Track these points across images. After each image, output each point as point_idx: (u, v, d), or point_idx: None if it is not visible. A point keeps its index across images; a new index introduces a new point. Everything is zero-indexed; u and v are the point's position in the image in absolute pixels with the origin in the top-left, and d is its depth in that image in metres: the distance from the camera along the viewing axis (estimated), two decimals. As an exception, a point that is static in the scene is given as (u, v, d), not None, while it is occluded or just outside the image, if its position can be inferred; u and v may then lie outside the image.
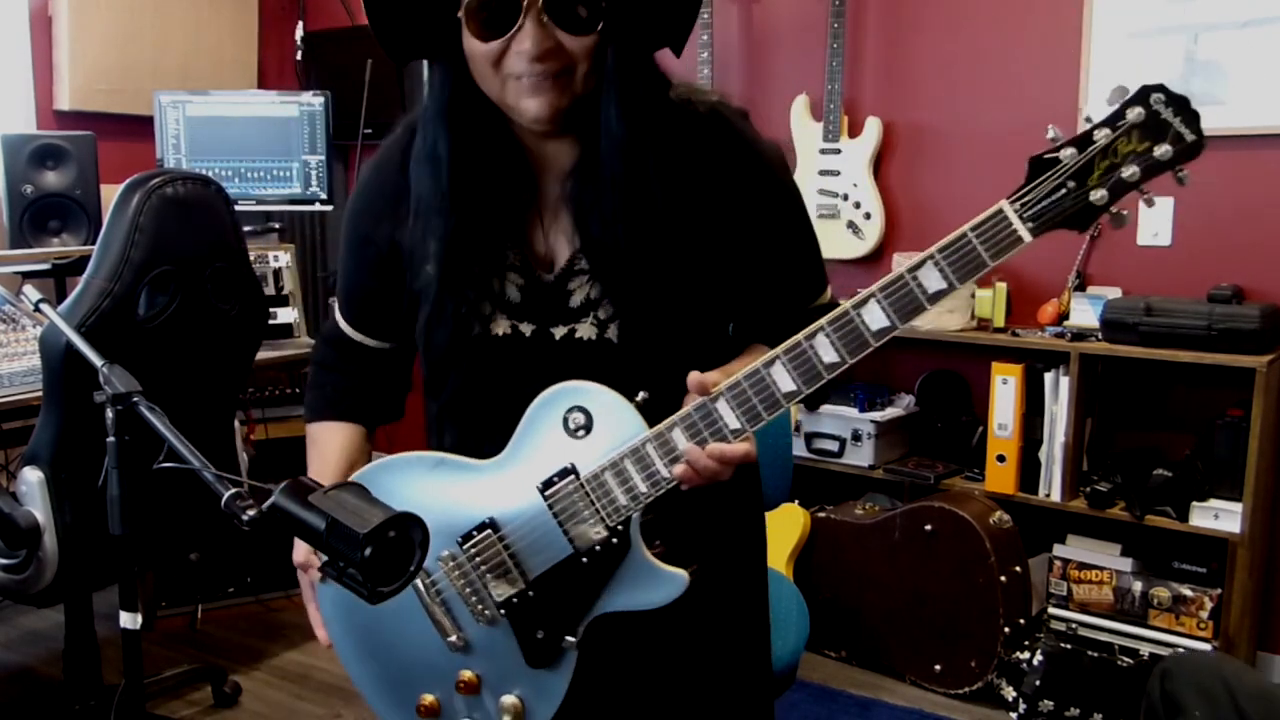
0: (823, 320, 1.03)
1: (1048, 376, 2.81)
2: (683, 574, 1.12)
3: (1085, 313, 2.85)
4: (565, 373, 1.13)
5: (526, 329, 1.18)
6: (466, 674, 1.20)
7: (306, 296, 3.81)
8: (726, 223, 1.16)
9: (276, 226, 3.74)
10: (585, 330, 1.18)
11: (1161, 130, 0.94)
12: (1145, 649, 2.61)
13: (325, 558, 1.04)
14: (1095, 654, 2.58)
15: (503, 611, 1.17)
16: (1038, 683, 2.55)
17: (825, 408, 3.07)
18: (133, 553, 1.57)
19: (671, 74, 1.18)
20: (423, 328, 1.20)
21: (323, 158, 3.61)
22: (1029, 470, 2.85)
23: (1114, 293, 2.85)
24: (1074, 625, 2.75)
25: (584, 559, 1.13)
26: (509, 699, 1.19)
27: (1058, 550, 2.88)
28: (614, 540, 1.11)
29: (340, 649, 1.30)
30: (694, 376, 1.06)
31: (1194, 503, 2.62)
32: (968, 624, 2.75)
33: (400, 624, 1.23)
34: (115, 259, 2.04)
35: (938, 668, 2.80)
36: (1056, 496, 2.81)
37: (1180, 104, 0.95)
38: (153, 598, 3.19)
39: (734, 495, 1.30)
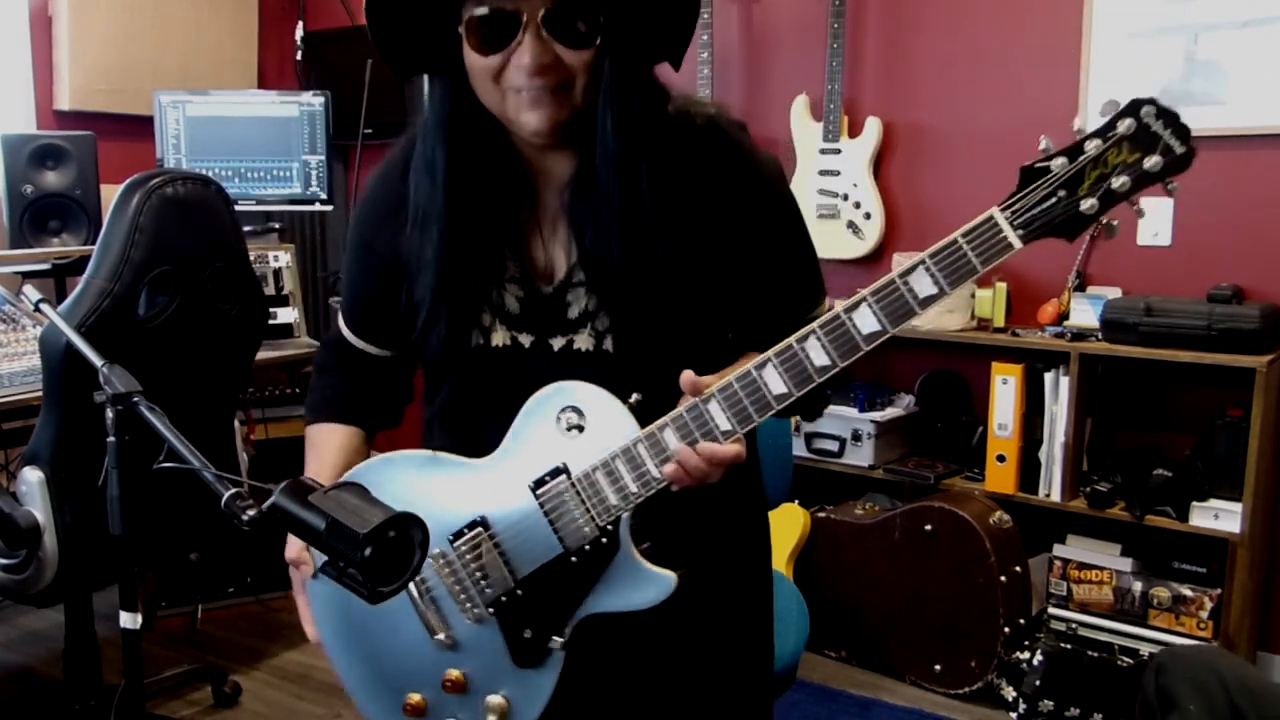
0: (814, 323, 1.04)
1: (1048, 376, 2.81)
2: (670, 575, 1.12)
3: (1085, 313, 2.85)
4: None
5: (525, 340, 1.19)
6: (453, 673, 1.20)
7: (306, 296, 3.81)
8: (724, 234, 1.17)
9: (276, 226, 3.74)
10: (583, 341, 1.19)
11: (1152, 142, 0.95)
12: (1145, 649, 2.61)
13: (324, 557, 1.04)
14: (1095, 654, 2.58)
15: (491, 610, 1.18)
16: (1038, 683, 2.55)
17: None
18: (133, 553, 1.57)
19: (670, 82, 1.19)
20: (419, 335, 1.21)
21: (323, 158, 3.61)
22: (1029, 470, 2.85)
23: (1114, 293, 2.85)
24: (1074, 625, 2.75)
25: (573, 558, 1.13)
26: (495, 699, 1.19)
27: (1058, 550, 2.88)
28: (604, 540, 1.12)
29: (329, 647, 1.30)
30: (687, 376, 1.07)
31: (1194, 503, 2.63)
32: (968, 624, 2.75)
33: (390, 622, 1.23)
34: (115, 259, 2.04)
35: (938, 668, 2.80)
36: (1056, 496, 2.81)
37: (1170, 117, 0.95)
38: (153, 598, 3.19)
39: (736, 497, 1.31)
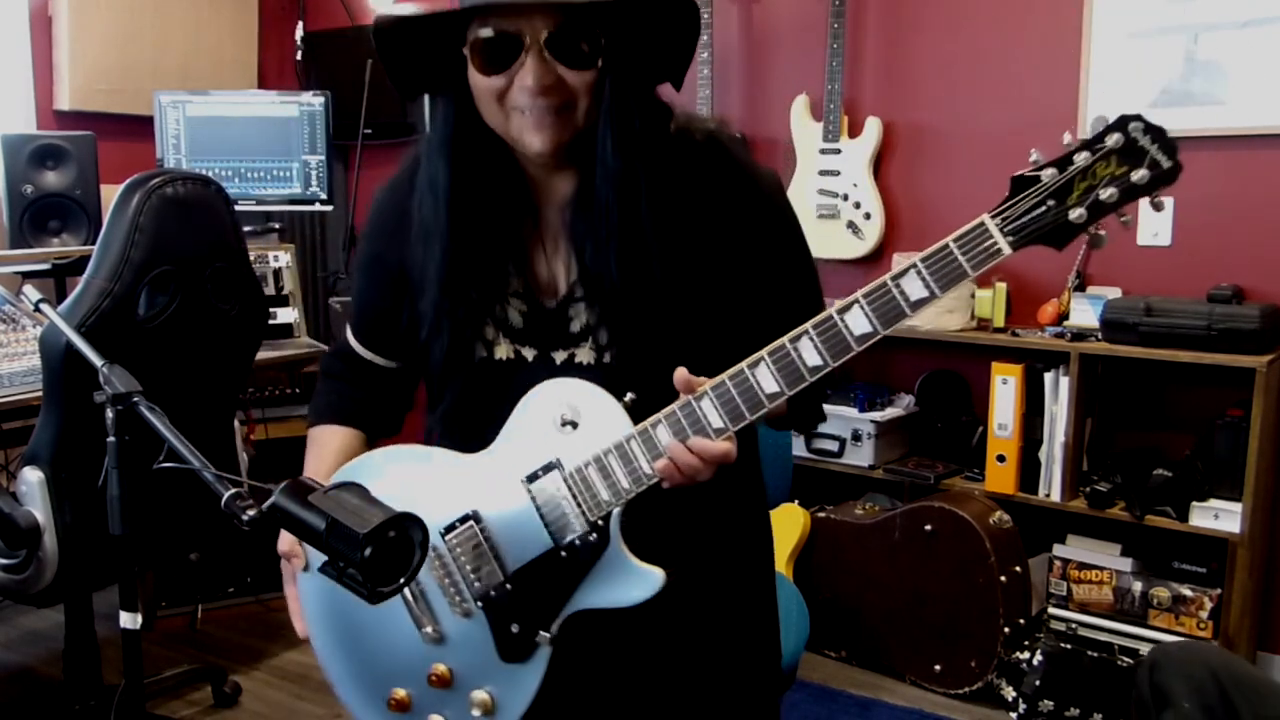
0: (807, 324, 1.05)
1: (1048, 376, 2.81)
2: (659, 573, 1.12)
3: (1085, 313, 2.85)
4: None
5: (529, 353, 1.21)
6: (439, 668, 1.21)
7: (306, 296, 3.81)
8: (724, 248, 1.18)
9: (276, 226, 3.74)
10: (584, 355, 1.21)
11: (1139, 156, 0.97)
12: (1145, 649, 2.61)
13: (325, 557, 1.04)
14: (1095, 654, 2.58)
15: (479, 604, 1.18)
16: (1038, 683, 2.55)
17: (825, 407, 3.07)
18: (133, 553, 1.57)
19: (670, 90, 1.20)
20: (422, 347, 1.23)
21: (323, 158, 3.61)
22: (1029, 470, 2.85)
23: (1114, 293, 2.85)
24: (1074, 625, 2.75)
25: (563, 553, 1.14)
26: (479, 694, 1.20)
27: (1058, 550, 2.88)
28: (594, 535, 1.13)
29: (316, 641, 1.30)
30: (681, 374, 1.08)
31: (1194, 503, 2.63)
32: (968, 624, 2.75)
33: (378, 617, 1.23)
34: (115, 259, 2.04)
35: (938, 668, 2.80)
36: (1056, 496, 2.81)
37: (1157, 132, 0.98)
38: (153, 598, 3.19)
39: (736, 497, 1.32)
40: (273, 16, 4.42)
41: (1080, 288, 2.94)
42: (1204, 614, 2.63)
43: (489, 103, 1.12)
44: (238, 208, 2.37)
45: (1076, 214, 0.98)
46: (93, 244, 2.18)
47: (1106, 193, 0.98)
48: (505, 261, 1.21)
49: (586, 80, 1.09)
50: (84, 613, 2.46)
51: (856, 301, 1.04)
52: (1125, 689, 2.50)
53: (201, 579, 3.25)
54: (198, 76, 3.99)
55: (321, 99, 3.59)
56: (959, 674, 2.77)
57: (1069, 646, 2.60)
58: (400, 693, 1.23)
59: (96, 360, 1.48)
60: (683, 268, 1.15)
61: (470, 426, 1.23)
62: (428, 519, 1.11)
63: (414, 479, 1.21)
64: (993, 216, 0.99)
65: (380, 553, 1.01)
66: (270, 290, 3.27)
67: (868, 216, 3.22)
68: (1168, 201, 2.83)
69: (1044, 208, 0.98)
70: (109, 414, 1.43)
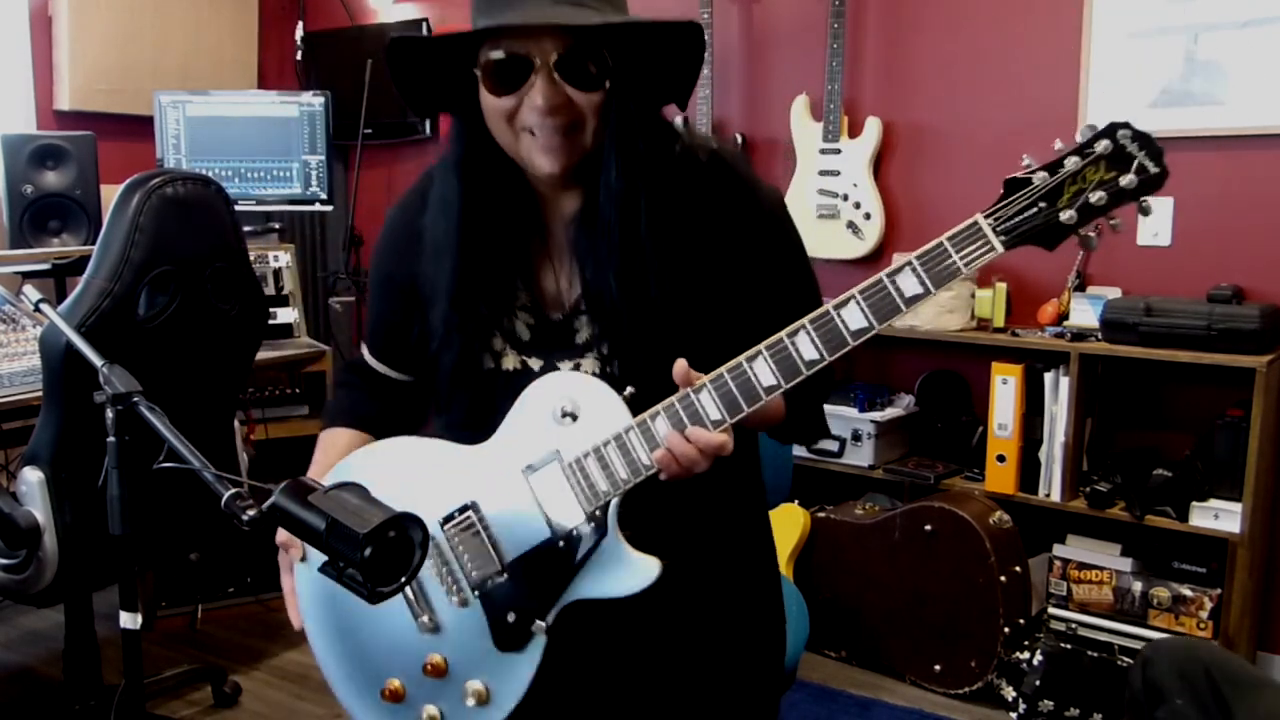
0: (805, 319, 1.07)
1: (1048, 376, 2.81)
2: (654, 562, 1.13)
3: (1085, 313, 2.85)
4: None
5: (535, 363, 1.24)
6: (435, 658, 1.22)
7: (306, 296, 3.81)
8: (727, 265, 1.21)
9: (276, 226, 3.74)
10: (589, 365, 1.23)
11: (1127, 162, 1.01)
12: (1145, 649, 2.61)
13: (325, 557, 1.04)
14: (1095, 654, 2.58)
15: (476, 593, 1.19)
16: (1038, 683, 2.55)
17: (825, 407, 3.07)
18: (133, 553, 1.57)
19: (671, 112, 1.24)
20: (432, 359, 1.26)
21: (323, 158, 3.61)
22: (1029, 470, 2.85)
23: (1114, 293, 2.85)
24: (1074, 625, 2.75)
25: (561, 543, 1.15)
26: (474, 684, 1.20)
27: (1058, 550, 2.88)
28: (591, 525, 1.14)
29: (311, 632, 1.31)
30: (680, 366, 1.09)
31: (1194, 503, 2.63)
32: (968, 624, 2.75)
33: (374, 607, 1.21)
34: (115, 259, 2.04)
35: (938, 668, 2.80)
36: (1056, 496, 2.81)
37: (1144, 140, 1.01)
38: (153, 598, 3.19)
39: (735, 494, 1.34)
40: (273, 16, 4.42)
41: (1080, 288, 2.94)
42: (1204, 614, 2.63)
43: (499, 122, 1.15)
44: (238, 208, 2.37)
45: (1067, 215, 1.01)
46: (93, 244, 2.18)
47: (1096, 196, 1.01)
48: (514, 276, 1.24)
49: (594, 101, 1.13)
50: (84, 613, 2.46)
51: (853, 297, 1.06)
52: (1124, 688, 2.50)
53: (201, 579, 3.25)
54: (198, 76, 3.99)
55: (321, 99, 3.59)
56: (959, 674, 2.77)
57: (1069, 646, 2.60)
58: (394, 683, 1.24)
59: (96, 360, 1.48)
60: (685, 283, 1.18)
61: (476, 434, 1.24)
62: (427, 508, 1.16)
63: (414, 468, 1.23)
64: (986, 216, 1.03)
65: (380, 553, 1.01)
66: (270, 290, 3.27)
67: (868, 216, 3.22)
68: (1168, 201, 2.83)
69: (1035, 209, 1.02)
70: (109, 414, 1.43)
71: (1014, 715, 2.60)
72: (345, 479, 1.18)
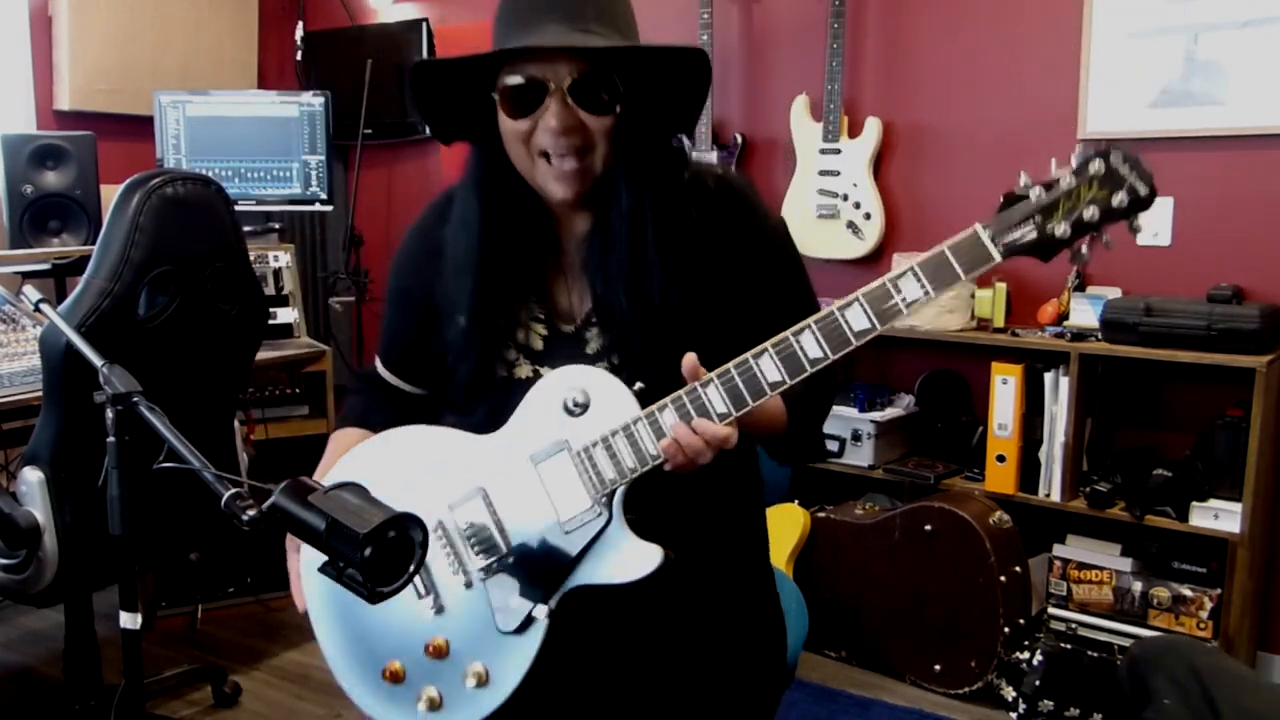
0: (810, 319, 1.12)
1: (1048, 376, 2.81)
2: (657, 550, 1.17)
3: (1085, 313, 2.85)
4: None
5: (546, 372, 1.27)
6: (437, 639, 1.24)
7: (306, 296, 3.81)
8: (731, 285, 1.28)
9: (276, 226, 3.74)
10: None
11: (1119, 183, 1.08)
12: (1145, 649, 2.61)
13: (325, 557, 1.04)
14: (1095, 654, 2.58)
15: (481, 576, 1.22)
16: (1038, 683, 2.55)
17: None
18: (133, 553, 1.57)
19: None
20: (449, 371, 1.32)
21: (323, 158, 3.61)
22: (1029, 470, 2.85)
23: (1114, 293, 2.85)
24: (1074, 625, 2.75)
25: (566, 529, 1.19)
26: (474, 666, 1.22)
27: (1058, 550, 2.88)
28: (598, 512, 1.18)
29: (314, 612, 1.32)
30: (689, 360, 1.14)
31: (1194, 503, 2.62)
32: (968, 624, 2.75)
33: None
34: (115, 259, 2.03)
35: (938, 668, 2.80)
36: (1056, 496, 2.81)
37: (1134, 163, 1.08)
38: (153, 598, 3.19)
39: (733, 489, 1.38)
40: (273, 16, 4.42)
41: (1080, 288, 2.94)
42: (1204, 614, 2.63)
43: (516, 145, 1.22)
44: (238, 208, 2.37)
45: (1061, 230, 1.08)
46: (93, 244, 2.18)
47: (1088, 213, 1.08)
48: (529, 290, 1.31)
49: (605, 125, 1.20)
50: (84, 613, 2.46)
51: (857, 299, 1.11)
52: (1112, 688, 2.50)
53: (201, 579, 3.25)
54: (198, 76, 3.99)
55: (321, 99, 3.59)
56: (959, 674, 2.77)
57: (1069, 646, 2.60)
58: (395, 665, 1.26)
59: (96, 360, 1.48)
60: (691, 299, 1.24)
61: None
62: (437, 492, 1.22)
63: (426, 455, 1.27)
64: (985, 227, 1.09)
65: (380, 553, 1.01)
66: (270, 290, 3.27)
67: (868, 216, 3.22)
68: (1168, 201, 2.83)
69: (1031, 222, 1.09)
70: (109, 414, 1.43)
71: (1014, 715, 2.60)
72: (359, 465, 1.26)
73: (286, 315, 3.31)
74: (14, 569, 2.13)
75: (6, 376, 2.38)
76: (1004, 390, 2.85)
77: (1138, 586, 2.73)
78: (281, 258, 3.37)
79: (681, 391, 1.14)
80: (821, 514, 3.04)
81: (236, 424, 2.56)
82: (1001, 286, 2.98)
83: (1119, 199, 1.07)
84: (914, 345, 3.16)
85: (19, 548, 2.11)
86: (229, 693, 2.80)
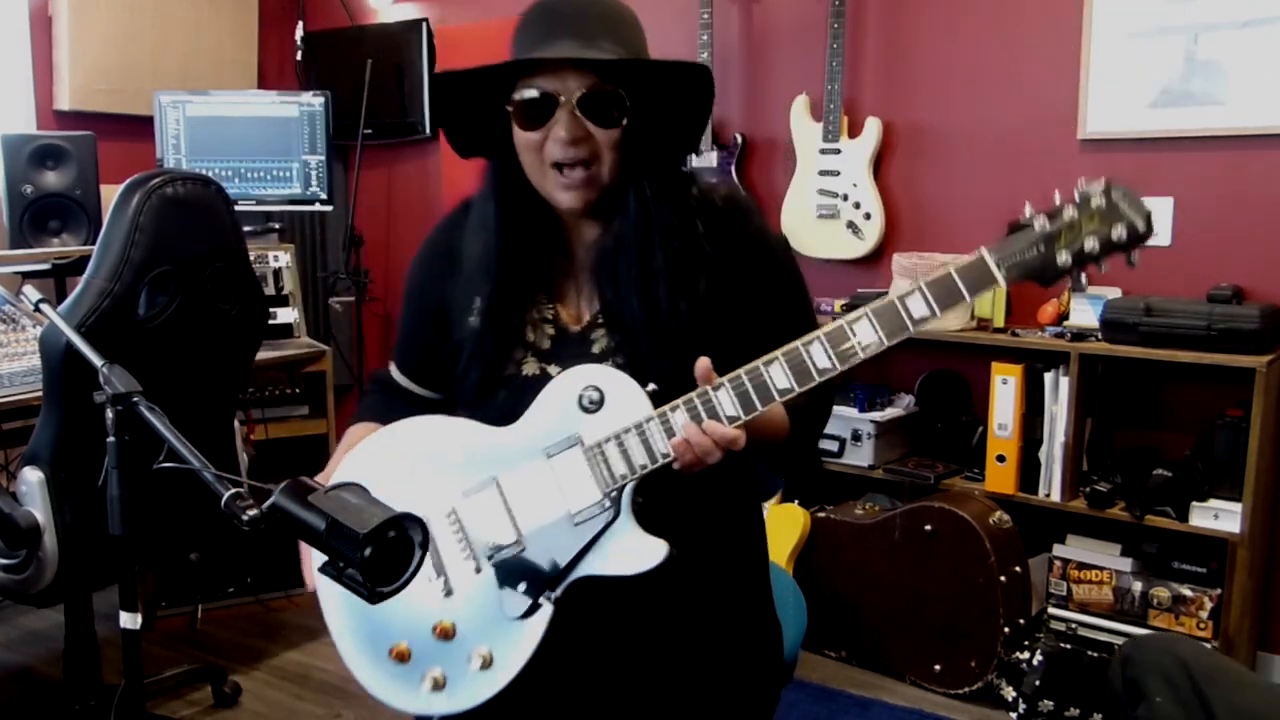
0: (820, 331, 1.18)
1: (1048, 376, 2.81)
2: (663, 544, 1.21)
3: (1085, 313, 2.85)
4: None
5: (554, 370, 1.33)
6: (444, 621, 1.27)
7: (306, 296, 3.81)
8: (734, 299, 1.33)
9: (276, 226, 3.74)
10: None
11: (1119, 217, 1.14)
12: (1145, 649, 2.61)
13: (325, 557, 1.04)
14: (1095, 654, 2.58)
15: (491, 562, 1.26)
16: (1038, 683, 2.55)
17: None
18: (133, 553, 1.57)
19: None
20: (461, 369, 1.37)
21: (323, 158, 3.61)
22: (1029, 470, 2.85)
23: (1114, 293, 2.84)
24: (1074, 625, 2.75)
25: (576, 521, 1.23)
26: (479, 648, 1.25)
27: (1058, 550, 2.88)
28: (607, 506, 1.22)
29: (324, 593, 1.34)
30: (702, 364, 1.18)
31: (1194, 503, 2.63)
32: (968, 624, 2.75)
33: None
34: (115, 259, 2.04)
35: (938, 668, 2.80)
36: (1056, 496, 2.81)
37: (1133, 199, 1.15)
38: (153, 598, 3.20)
39: (736, 488, 1.43)
40: (273, 16, 4.42)
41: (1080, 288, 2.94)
42: (1204, 614, 2.64)
43: (529, 155, 1.29)
44: (238, 208, 2.37)
45: (1062, 259, 1.14)
46: (93, 244, 2.18)
47: (1089, 244, 1.14)
48: (540, 292, 1.37)
49: (613, 137, 1.26)
50: (84, 613, 2.46)
51: (866, 315, 1.17)
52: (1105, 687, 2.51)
53: (201, 579, 3.25)
54: (198, 76, 3.99)
55: (321, 99, 3.59)
56: (959, 674, 2.77)
57: (1069, 646, 2.60)
58: (402, 645, 1.29)
59: (96, 360, 1.48)
60: (695, 306, 1.30)
61: None
62: (452, 480, 1.27)
63: (443, 444, 1.30)
64: (991, 252, 1.15)
65: (380, 553, 1.01)
66: (270, 290, 3.27)
67: (868, 216, 3.22)
68: (1168, 201, 2.84)
69: (1035, 251, 1.15)
70: (109, 414, 1.43)
71: (1014, 715, 2.60)
72: (377, 451, 1.32)
73: (286, 315, 3.32)
74: (14, 569, 2.13)
75: (6, 376, 2.38)
76: (1004, 390, 2.85)
77: (1138, 586, 2.73)
78: (281, 258, 3.37)
79: (693, 394, 1.19)
80: (821, 514, 3.04)
81: (236, 424, 2.56)
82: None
83: (1118, 233, 1.14)
84: (914, 345, 3.15)
85: (19, 548, 2.11)
86: (229, 693, 2.80)
